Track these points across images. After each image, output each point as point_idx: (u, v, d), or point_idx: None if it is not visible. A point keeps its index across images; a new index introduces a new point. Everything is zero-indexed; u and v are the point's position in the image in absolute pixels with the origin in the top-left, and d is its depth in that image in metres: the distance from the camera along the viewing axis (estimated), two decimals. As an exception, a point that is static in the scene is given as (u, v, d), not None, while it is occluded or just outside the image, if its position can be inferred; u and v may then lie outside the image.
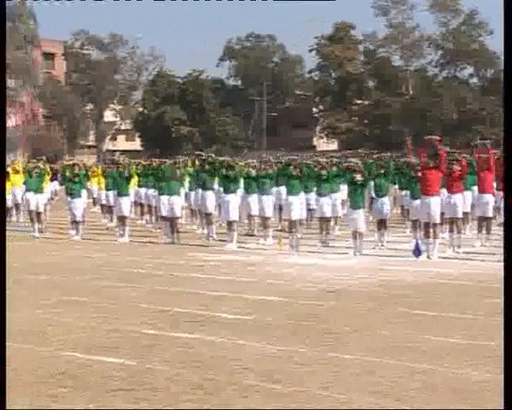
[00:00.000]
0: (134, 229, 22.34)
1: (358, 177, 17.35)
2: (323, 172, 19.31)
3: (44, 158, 25.06)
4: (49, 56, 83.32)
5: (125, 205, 20.92)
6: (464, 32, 75.89)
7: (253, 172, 20.60)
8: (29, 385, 7.28)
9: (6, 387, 6.47)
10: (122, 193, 21.06)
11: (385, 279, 13.46)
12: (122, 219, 20.83)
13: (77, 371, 7.71)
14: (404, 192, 21.03)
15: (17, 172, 25.81)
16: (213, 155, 22.09)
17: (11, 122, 76.05)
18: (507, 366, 6.00)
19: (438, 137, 17.11)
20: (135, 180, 24.74)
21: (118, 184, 21.47)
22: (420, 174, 16.68)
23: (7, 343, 8.80)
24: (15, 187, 25.86)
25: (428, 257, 15.92)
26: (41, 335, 9.32)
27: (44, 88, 78.17)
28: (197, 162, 22.84)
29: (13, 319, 10.24)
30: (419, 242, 16.43)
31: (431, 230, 16.19)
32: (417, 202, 17.00)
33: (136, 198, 25.67)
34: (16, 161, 31.89)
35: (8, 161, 54.68)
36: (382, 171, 19.07)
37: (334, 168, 20.41)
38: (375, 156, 23.49)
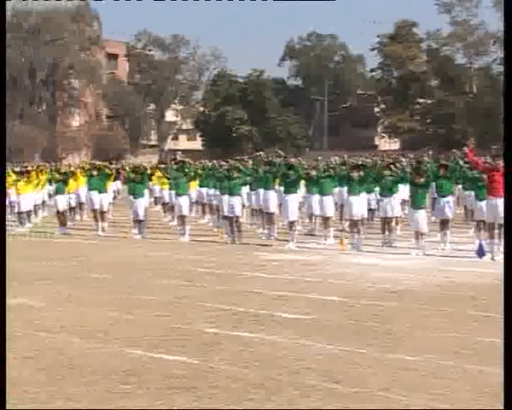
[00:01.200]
0: (195, 228, 22.55)
1: (420, 178, 17.26)
2: (386, 172, 19.16)
3: (107, 162, 25.43)
4: (113, 57, 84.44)
5: (185, 204, 21.13)
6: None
7: (314, 173, 20.52)
8: (93, 382, 7.40)
9: (6, 387, 6.46)
10: (182, 192, 21.30)
11: (448, 280, 13.33)
12: (182, 219, 21.03)
13: (140, 368, 7.82)
14: (467, 192, 20.76)
15: (85, 172, 26.13)
16: (281, 153, 22.10)
17: (75, 122, 77.36)
18: (507, 366, 5.89)
19: None
20: (196, 181, 24.95)
21: (178, 183, 21.69)
22: (485, 176, 16.46)
23: (72, 340, 9.00)
24: (82, 187, 26.27)
25: (493, 258, 15.70)
26: (105, 333, 9.45)
27: (107, 88, 79.24)
28: (257, 162, 22.87)
29: (78, 317, 10.44)
30: (483, 242, 16.23)
31: (496, 231, 15.97)
32: (483, 202, 16.78)
33: (198, 198, 25.99)
34: (84, 161, 32.37)
35: (70, 161, 55.43)
36: (442, 171, 18.79)
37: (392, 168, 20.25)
38: (441, 160, 23.14)
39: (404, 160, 21.75)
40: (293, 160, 22.53)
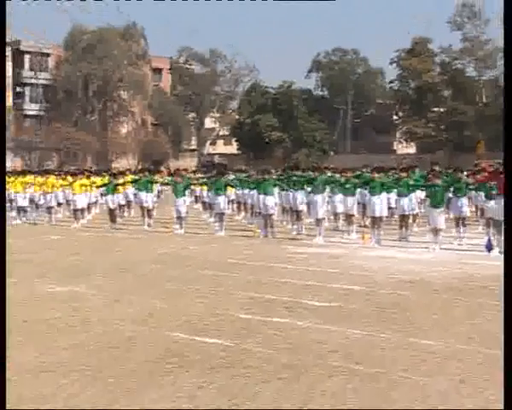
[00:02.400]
0: (231, 224, 22.58)
1: (437, 179, 17.22)
2: (403, 174, 19.27)
3: (152, 167, 25.79)
4: (157, 71, 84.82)
5: (222, 203, 21.27)
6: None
7: (338, 176, 20.76)
8: (140, 362, 7.40)
9: (6, 387, 6.18)
10: (220, 192, 21.41)
11: (461, 272, 13.17)
12: (220, 216, 21.11)
13: (182, 350, 7.80)
14: (478, 193, 20.60)
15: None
16: (323, 166, 22.31)
17: (124, 129, 77.97)
18: (507, 365, 5.68)
19: None
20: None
21: (216, 184, 21.85)
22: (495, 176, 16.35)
23: (121, 325, 9.00)
24: (129, 188, 26.63)
25: (500, 252, 15.49)
26: (150, 318, 9.46)
27: (153, 99, 79.69)
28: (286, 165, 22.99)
29: (126, 305, 10.48)
30: (491, 238, 16.05)
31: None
32: (492, 202, 16.64)
33: (234, 197, 26.24)
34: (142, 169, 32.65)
35: (119, 163, 55.21)
36: (458, 175, 18.75)
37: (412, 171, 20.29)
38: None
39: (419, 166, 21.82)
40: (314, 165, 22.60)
